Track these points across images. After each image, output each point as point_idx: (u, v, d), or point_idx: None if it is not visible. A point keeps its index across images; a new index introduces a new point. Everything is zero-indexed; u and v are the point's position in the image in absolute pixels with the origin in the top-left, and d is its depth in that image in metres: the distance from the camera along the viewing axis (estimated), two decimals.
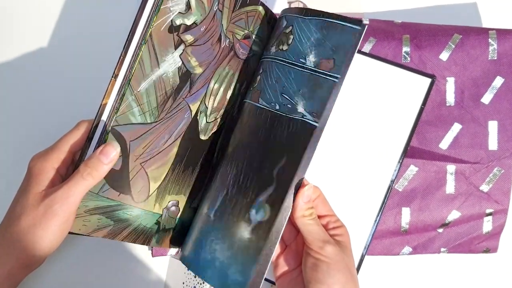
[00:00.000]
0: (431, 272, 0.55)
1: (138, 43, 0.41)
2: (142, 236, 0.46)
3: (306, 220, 0.41)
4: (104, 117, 0.40)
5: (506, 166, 0.52)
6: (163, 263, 0.55)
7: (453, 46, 0.53)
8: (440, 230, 0.53)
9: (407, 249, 0.53)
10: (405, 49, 0.53)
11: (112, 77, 0.40)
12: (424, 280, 0.55)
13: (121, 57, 0.40)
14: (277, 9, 0.56)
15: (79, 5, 0.58)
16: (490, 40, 0.52)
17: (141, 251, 0.55)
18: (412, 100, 0.48)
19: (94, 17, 0.57)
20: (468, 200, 0.53)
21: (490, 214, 0.53)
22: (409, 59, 0.53)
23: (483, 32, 0.53)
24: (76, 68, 0.56)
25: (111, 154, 0.39)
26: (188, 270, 0.52)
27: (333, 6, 0.57)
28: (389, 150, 0.48)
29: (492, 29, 0.53)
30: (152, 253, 0.53)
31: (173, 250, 0.53)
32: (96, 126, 0.40)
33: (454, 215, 0.52)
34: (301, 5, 0.57)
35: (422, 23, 0.54)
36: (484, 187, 0.53)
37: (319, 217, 0.43)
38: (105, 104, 0.40)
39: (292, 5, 0.57)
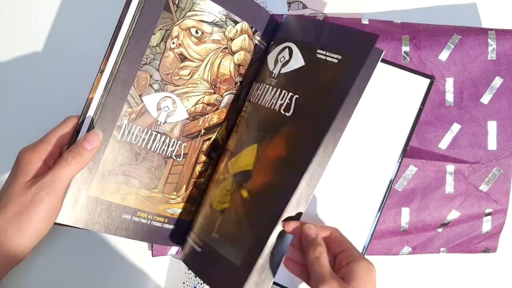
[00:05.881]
0: (431, 272, 0.56)
1: (124, 39, 0.41)
2: None
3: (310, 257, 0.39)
4: (91, 111, 0.41)
5: (505, 166, 0.52)
6: (163, 263, 0.55)
7: (452, 46, 0.53)
8: (440, 230, 0.53)
9: (407, 249, 0.53)
10: (405, 49, 0.53)
11: (98, 72, 0.41)
12: (424, 280, 0.55)
13: (107, 53, 0.41)
14: (277, 9, 0.56)
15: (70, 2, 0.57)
16: (489, 40, 0.52)
17: (141, 250, 0.55)
18: (411, 101, 0.48)
19: (83, 14, 0.56)
20: (468, 200, 0.53)
21: (489, 214, 0.53)
22: (408, 59, 0.53)
23: (482, 32, 0.53)
24: (65, 65, 0.55)
25: (94, 141, 0.40)
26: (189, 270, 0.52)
27: (333, 6, 0.57)
28: (388, 150, 0.48)
29: (491, 29, 0.53)
30: (152, 253, 0.53)
31: (173, 250, 0.53)
32: (83, 120, 0.41)
33: (453, 214, 0.53)
34: (301, 6, 0.57)
35: (422, 23, 0.54)
36: (484, 187, 0.53)
37: (337, 254, 0.41)
38: (92, 98, 0.41)
39: (292, 5, 0.57)
